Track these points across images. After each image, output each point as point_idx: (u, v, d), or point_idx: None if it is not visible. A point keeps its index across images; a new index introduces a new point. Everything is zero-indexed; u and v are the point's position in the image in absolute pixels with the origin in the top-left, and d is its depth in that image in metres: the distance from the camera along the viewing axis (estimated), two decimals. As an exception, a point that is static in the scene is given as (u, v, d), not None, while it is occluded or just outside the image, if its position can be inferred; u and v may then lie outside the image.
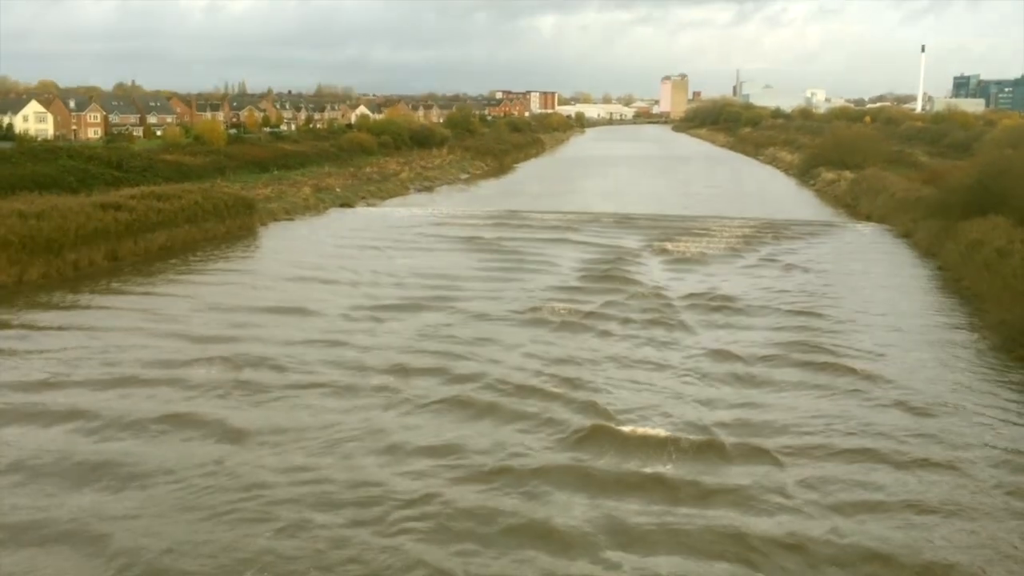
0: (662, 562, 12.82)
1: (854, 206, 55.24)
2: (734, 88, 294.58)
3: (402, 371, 20.89)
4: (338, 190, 58.09)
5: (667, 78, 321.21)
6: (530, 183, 75.85)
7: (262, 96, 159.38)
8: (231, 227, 42.48)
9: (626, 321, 25.84)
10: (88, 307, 27.81)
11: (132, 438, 17.15)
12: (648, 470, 15.62)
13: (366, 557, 12.83)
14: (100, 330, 24.91)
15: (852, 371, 21.08)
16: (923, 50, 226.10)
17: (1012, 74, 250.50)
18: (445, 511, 14.05)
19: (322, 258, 36.65)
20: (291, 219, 48.24)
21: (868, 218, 49.67)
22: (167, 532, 13.53)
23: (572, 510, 14.17)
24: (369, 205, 56.50)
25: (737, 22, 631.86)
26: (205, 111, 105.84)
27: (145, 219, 36.97)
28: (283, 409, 18.64)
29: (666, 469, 15.67)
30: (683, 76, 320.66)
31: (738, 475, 15.46)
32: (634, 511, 14.21)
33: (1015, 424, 17.89)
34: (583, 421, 17.65)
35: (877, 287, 31.40)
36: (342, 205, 54.57)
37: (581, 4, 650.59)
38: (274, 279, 32.42)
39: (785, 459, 16.09)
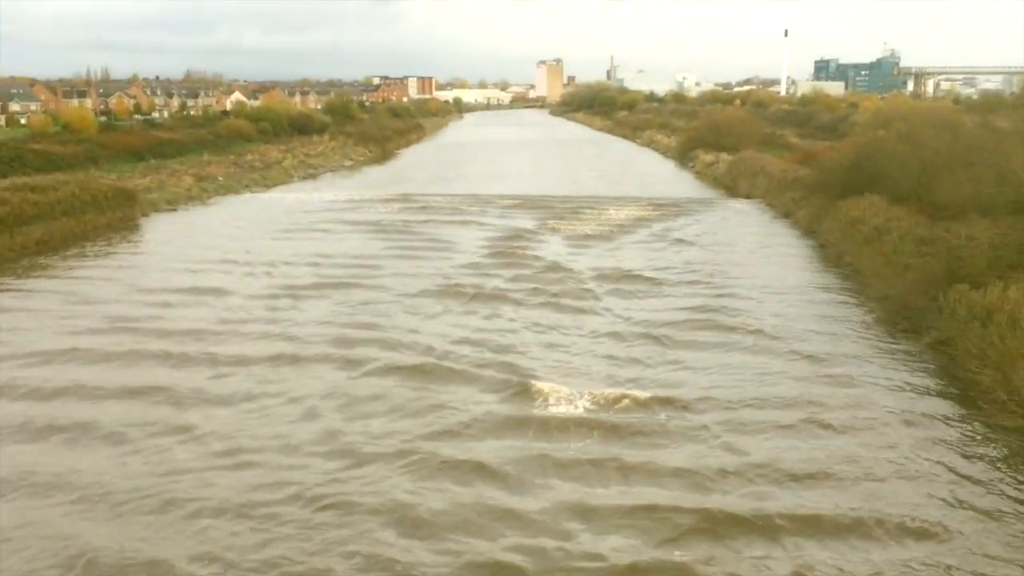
0: (599, 492, 14.12)
1: (733, 187, 57.06)
2: (608, 73, 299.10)
3: (340, 342, 21.69)
4: (220, 179, 56.46)
5: (542, 63, 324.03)
6: (416, 169, 75.43)
7: (129, 82, 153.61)
8: (112, 219, 40.80)
9: (537, 292, 27.08)
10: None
11: (91, 407, 17.49)
12: (578, 418, 17.00)
13: (337, 499, 13.74)
14: (14, 311, 24.82)
15: (753, 333, 22.71)
16: (786, 34, 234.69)
17: (868, 58, 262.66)
18: (401, 459, 15.15)
19: (223, 244, 36.29)
20: (174, 209, 46.72)
21: (748, 197, 51.53)
22: (134, 487, 14.09)
23: (509, 453, 15.44)
24: (254, 194, 55.27)
25: (609, 7, 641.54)
26: (72, 98, 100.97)
27: (20, 212, 35.06)
28: (235, 378, 19.25)
29: (596, 416, 16.98)
30: (558, 61, 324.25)
31: (661, 419, 16.94)
32: (566, 450, 15.61)
33: (901, 371, 19.93)
34: (512, 378, 19.01)
35: (764, 262, 32.80)
36: (227, 194, 53.19)
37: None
38: (180, 264, 32.16)
39: (702, 405, 17.62)
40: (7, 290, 27.72)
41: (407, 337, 22.18)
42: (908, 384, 19.04)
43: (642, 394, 17.88)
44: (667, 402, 17.66)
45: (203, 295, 26.82)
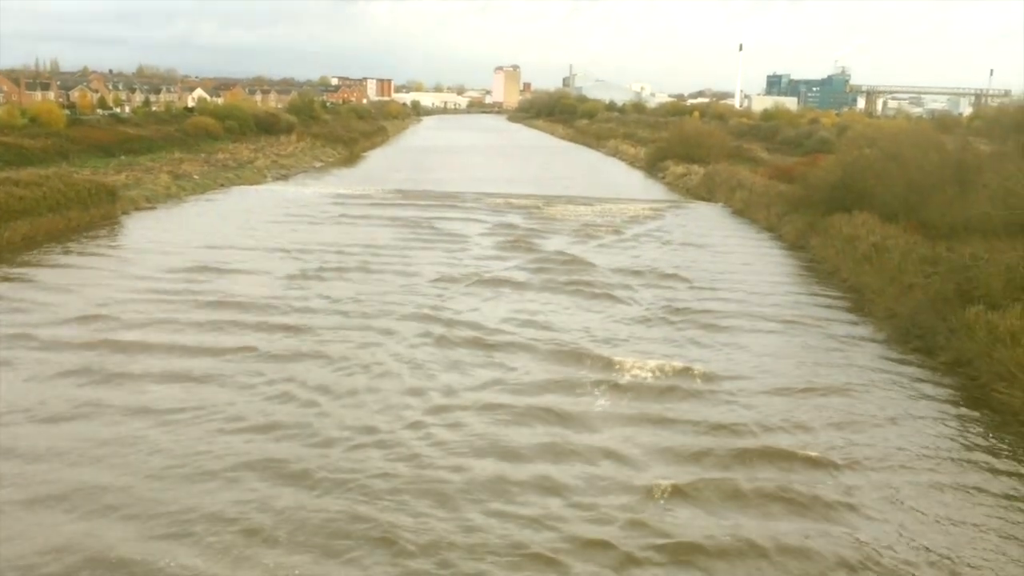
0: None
1: (709, 199, 57.57)
2: (564, 80, 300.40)
3: (394, 318, 24.66)
4: (196, 177, 55.64)
5: (500, 68, 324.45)
6: (388, 171, 75.08)
7: (81, 75, 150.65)
8: (94, 216, 40.02)
9: (542, 271, 31.38)
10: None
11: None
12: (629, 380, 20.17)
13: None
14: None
15: (760, 349, 23.45)
16: (740, 48, 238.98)
17: (818, 74, 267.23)
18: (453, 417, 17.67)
19: (225, 235, 37.67)
20: (153, 207, 45.96)
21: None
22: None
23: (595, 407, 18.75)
24: (237, 188, 55.88)
25: (571, 15, 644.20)
26: (35, 90, 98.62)
27: (7, 207, 34.29)
28: (307, 343, 22.05)
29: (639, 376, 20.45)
30: (515, 67, 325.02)
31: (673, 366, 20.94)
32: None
33: (920, 388, 20.49)
34: (538, 334, 23.27)
35: (760, 278, 32.78)
36: (204, 192, 52.47)
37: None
38: (196, 250, 33.70)
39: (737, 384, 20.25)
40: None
41: (460, 316, 25.20)
42: (934, 404, 19.38)
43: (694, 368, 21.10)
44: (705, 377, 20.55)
45: (240, 275, 29.29)
